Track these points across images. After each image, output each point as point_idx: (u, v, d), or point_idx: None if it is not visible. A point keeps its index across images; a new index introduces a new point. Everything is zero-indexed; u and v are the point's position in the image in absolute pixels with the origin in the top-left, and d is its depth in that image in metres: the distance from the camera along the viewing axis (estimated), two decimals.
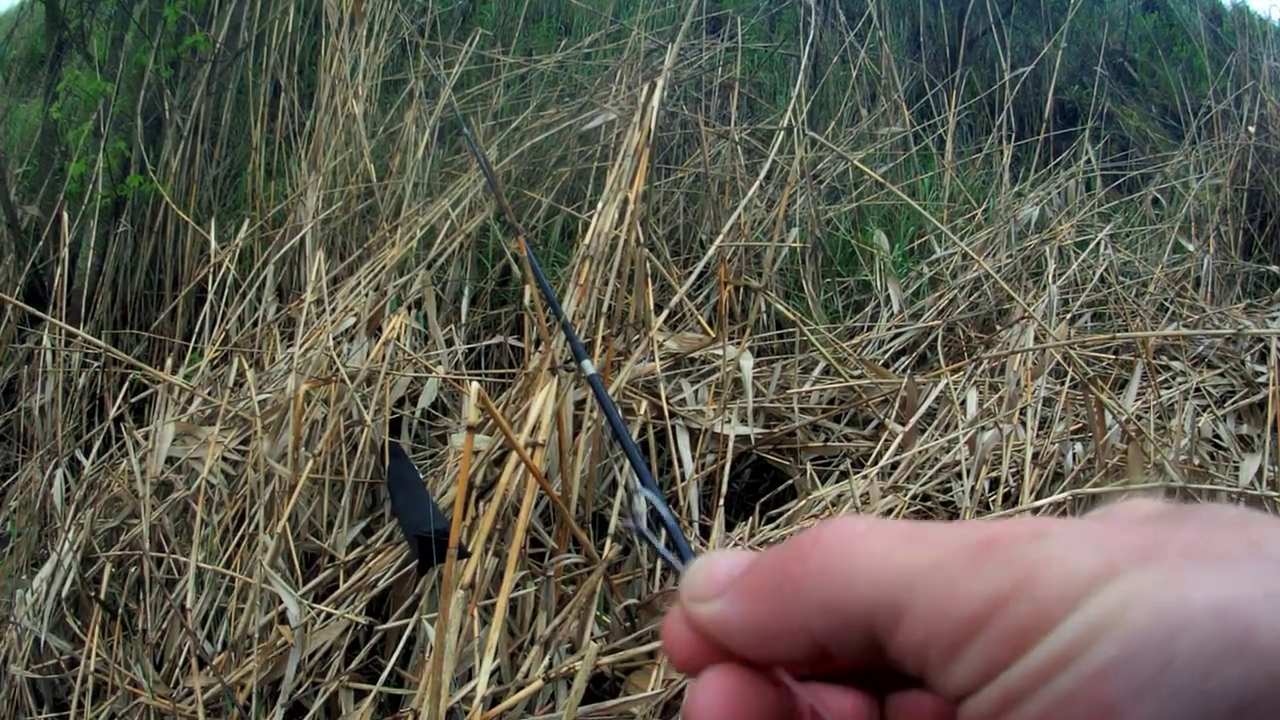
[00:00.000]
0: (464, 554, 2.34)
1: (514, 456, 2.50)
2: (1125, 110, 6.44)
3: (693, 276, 3.65)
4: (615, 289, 3.21)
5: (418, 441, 3.43)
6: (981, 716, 0.33)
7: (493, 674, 2.32)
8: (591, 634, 2.47)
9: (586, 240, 3.23)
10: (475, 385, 1.98)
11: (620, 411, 3.13)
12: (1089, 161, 5.19)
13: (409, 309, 3.63)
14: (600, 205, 3.30)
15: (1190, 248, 4.58)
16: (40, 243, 4.76)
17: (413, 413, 3.42)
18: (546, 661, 2.34)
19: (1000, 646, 0.32)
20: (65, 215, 4.19)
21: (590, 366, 2.48)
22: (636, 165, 3.30)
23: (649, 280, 3.48)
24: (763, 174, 4.01)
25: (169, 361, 3.67)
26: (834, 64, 5.44)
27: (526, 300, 3.34)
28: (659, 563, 2.74)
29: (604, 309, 3.11)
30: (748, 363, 3.34)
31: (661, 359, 3.34)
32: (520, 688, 2.22)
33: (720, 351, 3.35)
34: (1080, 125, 5.58)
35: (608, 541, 2.68)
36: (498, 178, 4.28)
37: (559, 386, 2.77)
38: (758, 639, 0.39)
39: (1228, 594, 0.30)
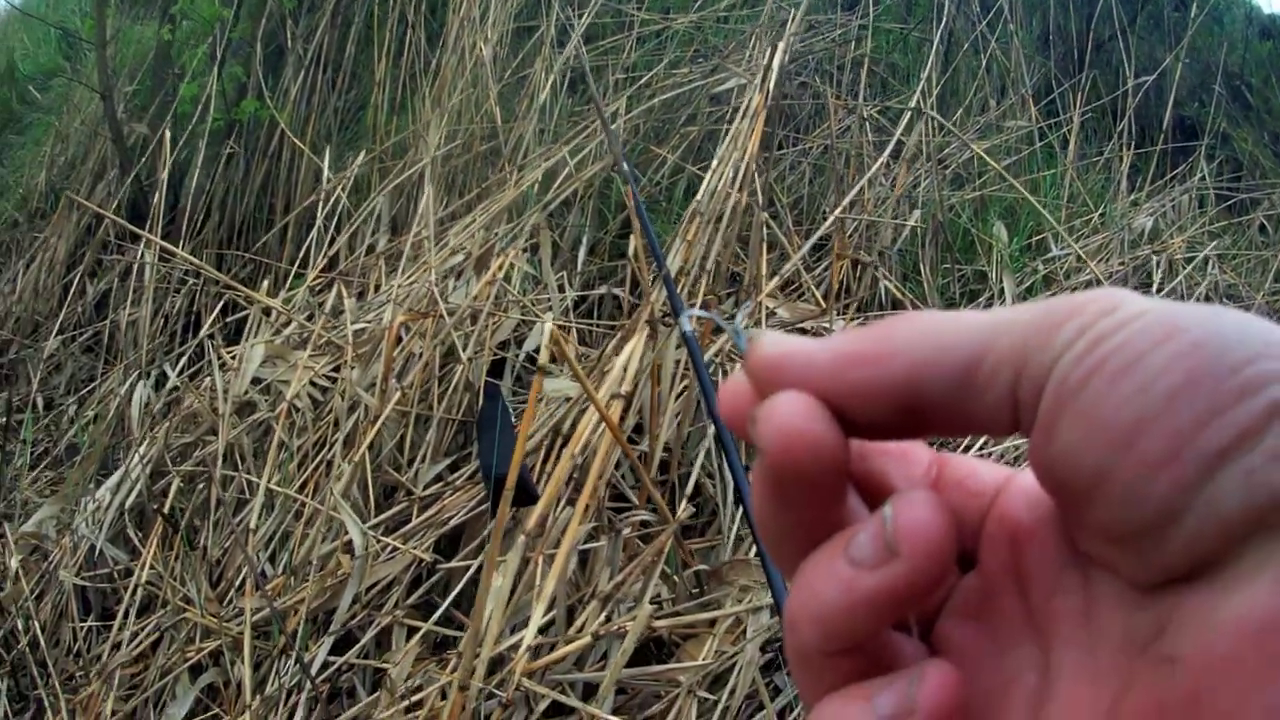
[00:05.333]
0: (531, 498, 2.28)
1: (615, 406, 2.42)
2: (1240, 133, 6.41)
3: (808, 244, 3.61)
4: (730, 250, 3.16)
5: (519, 385, 3.37)
6: (1074, 358, 0.34)
7: (549, 626, 2.26)
8: (654, 595, 2.41)
9: (698, 196, 3.19)
10: (549, 325, 1.88)
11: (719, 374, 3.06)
12: (1203, 178, 5.20)
13: (523, 252, 3.58)
14: (715, 163, 3.26)
15: None
16: (146, 160, 4.82)
17: (516, 355, 3.38)
18: (603, 618, 2.29)
19: (1092, 315, 0.34)
20: (168, 134, 4.23)
21: (687, 321, 2.38)
22: (754, 126, 3.24)
23: (764, 246, 3.45)
24: (887, 151, 4.00)
25: (264, 284, 3.65)
26: (965, 52, 5.44)
27: (631, 250, 3.26)
28: (735, 531, 2.67)
29: (708, 267, 3.08)
30: None
31: (772, 327, 3.24)
32: (570, 642, 2.17)
33: (829, 326, 3.32)
34: (1198, 141, 5.57)
35: (683, 502, 2.63)
36: (612, 126, 4.24)
37: (656, 340, 2.69)
38: (850, 365, 0.37)
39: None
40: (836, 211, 3.69)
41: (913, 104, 4.25)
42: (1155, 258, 4.10)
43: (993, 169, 4.32)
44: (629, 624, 2.03)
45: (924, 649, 0.40)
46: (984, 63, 5.29)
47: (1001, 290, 3.91)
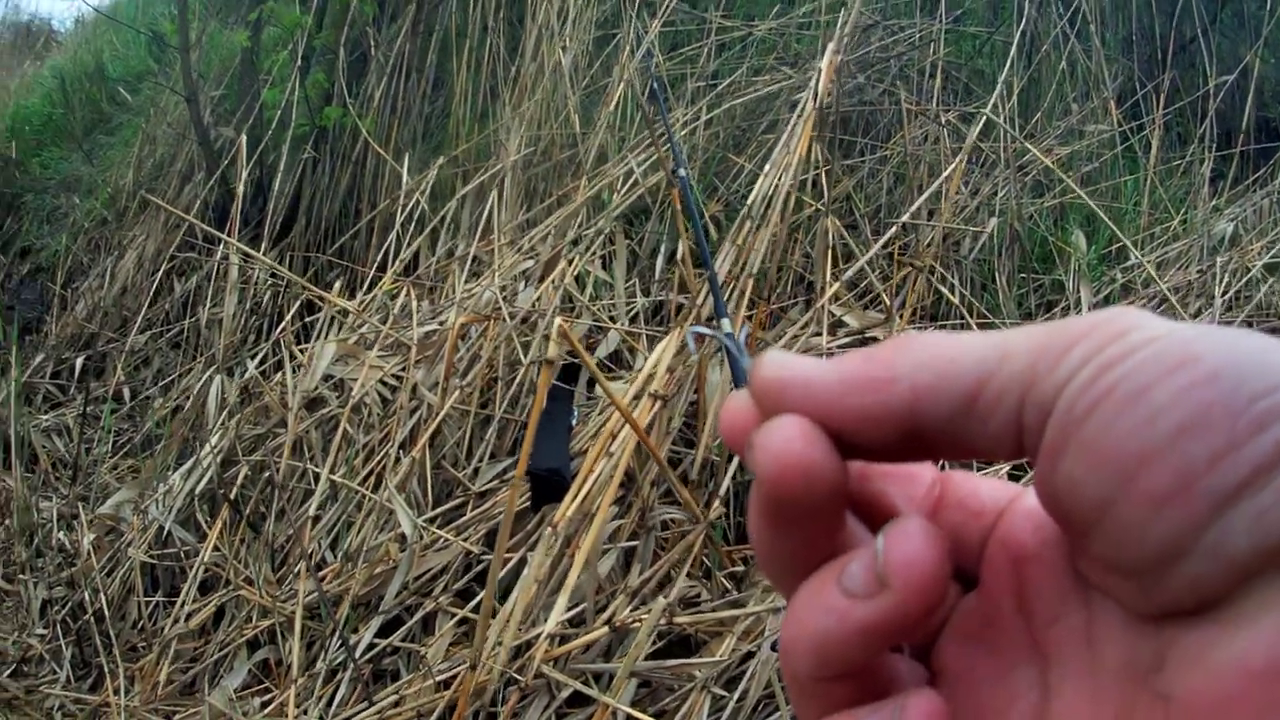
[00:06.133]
0: (560, 489, 2.36)
1: (642, 403, 2.52)
2: None
3: (872, 249, 3.62)
4: (780, 254, 3.19)
5: (592, 389, 3.46)
6: (1082, 385, 0.33)
7: (580, 619, 2.36)
8: (693, 594, 2.50)
9: (749, 200, 3.26)
10: (559, 322, 1.99)
11: None
12: None
13: (597, 258, 3.67)
14: (767, 168, 3.32)
15: None
16: (231, 163, 4.99)
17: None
18: (629, 611, 2.37)
19: (1103, 339, 0.34)
20: (244, 140, 4.40)
21: (728, 325, 2.48)
22: (804, 130, 3.30)
23: (828, 252, 3.49)
24: (959, 158, 3.91)
25: (336, 285, 3.80)
26: (1046, 55, 5.29)
27: (679, 254, 3.33)
28: None
29: (753, 271, 3.13)
30: None
31: (842, 333, 3.33)
32: (589, 632, 2.26)
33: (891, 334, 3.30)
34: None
35: (715, 502, 2.70)
36: (691, 134, 4.31)
37: (702, 344, 2.78)
38: (851, 390, 0.37)
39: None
40: (905, 217, 3.72)
41: (989, 109, 4.16)
42: (1232, 264, 3.97)
43: (1069, 178, 4.23)
44: (644, 618, 2.11)
45: (922, 671, 0.41)
46: (1065, 66, 5.20)
47: (1078, 300, 3.88)
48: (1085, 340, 0.34)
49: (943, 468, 0.43)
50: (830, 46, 3.58)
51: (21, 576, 3.32)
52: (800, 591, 0.38)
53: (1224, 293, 3.72)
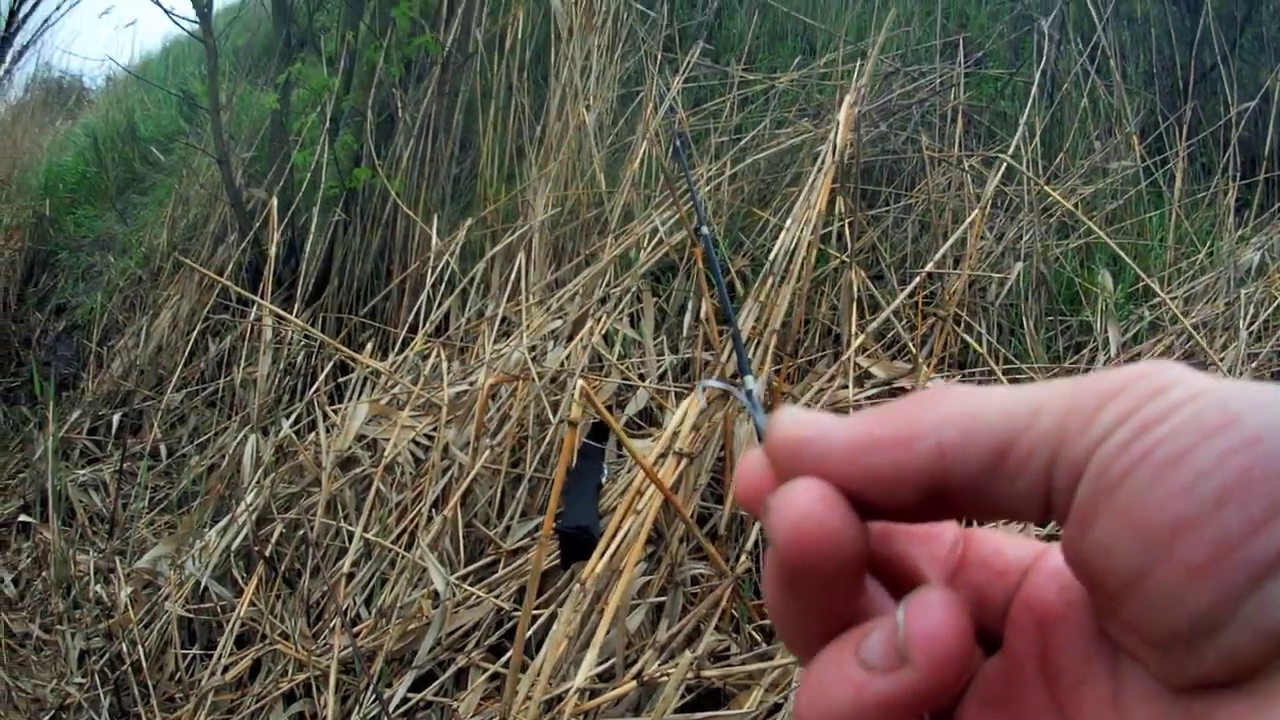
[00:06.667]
0: (588, 546, 2.42)
1: (668, 463, 2.59)
2: None
3: (897, 299, 3.62)
4: (804, 307, 3.21)
5: (620, 447, 3.50)
6: (1117, 447, 0.32)
7: (607, 673, 2.43)
8: (723, 647, 2.54)
9: (771, 255, 3.32)
10: (581, 383, 2.04)
11: None
12: None
13: (626, 317, 3.74)
14: (789, 222, 3.39)
15: None
16: (264, 224, 5.07)
17: (618, 417, 3.52)
18: (658, 665, 2.42)
19: (1139, 397, 0.33)
20: (275, 202, 4.52)
21: (751, 382, 2.53)
22: (823, 183, 3.36)
23: (853, 304, 3.53)
24: (981, 205, 3.92)
25: (368, 346, 3.88)
26: (1067, 93, 5.27)
27: (702, 312, 3.40)
28: None
29: (776, 325, 3.19)
30: None
31: (869, 385, 3.37)
32: (619, 687, 2.31)
33: (931, 384, 3.29)
34: None
35: (742, 556, 2.74)
36: (716, 190, 4.37)
37: (727, 401, 2.84)
38: (873, 448, 0.36)
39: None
40: (929, 266, 3.74)
41: (1010, 153, 4.18)
42: (1259, 294, 3.89)
43: (1093, 218, 4.21)
44: (671, 671, 2.16)
45: None
46: (1087, 103, 5.16)
47: (1106, 341, 3.85)
48: (1119, 397, 0.33)
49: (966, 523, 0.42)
50: (847, 99, 3.63)
51: (59, 627, 3.41)
52: (818, 660, 0.38)
53: (1249, 324, 3.66)
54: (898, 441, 0.36)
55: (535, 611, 2.71)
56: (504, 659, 2.63)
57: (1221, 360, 3.35)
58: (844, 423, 0.37)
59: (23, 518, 4.25)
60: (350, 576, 3.00)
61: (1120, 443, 0.32)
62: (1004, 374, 3.54)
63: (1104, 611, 0.35)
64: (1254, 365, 3.47)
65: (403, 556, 2.95)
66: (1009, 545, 0.41)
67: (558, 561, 2.82)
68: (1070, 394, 0.34)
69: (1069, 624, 0.37)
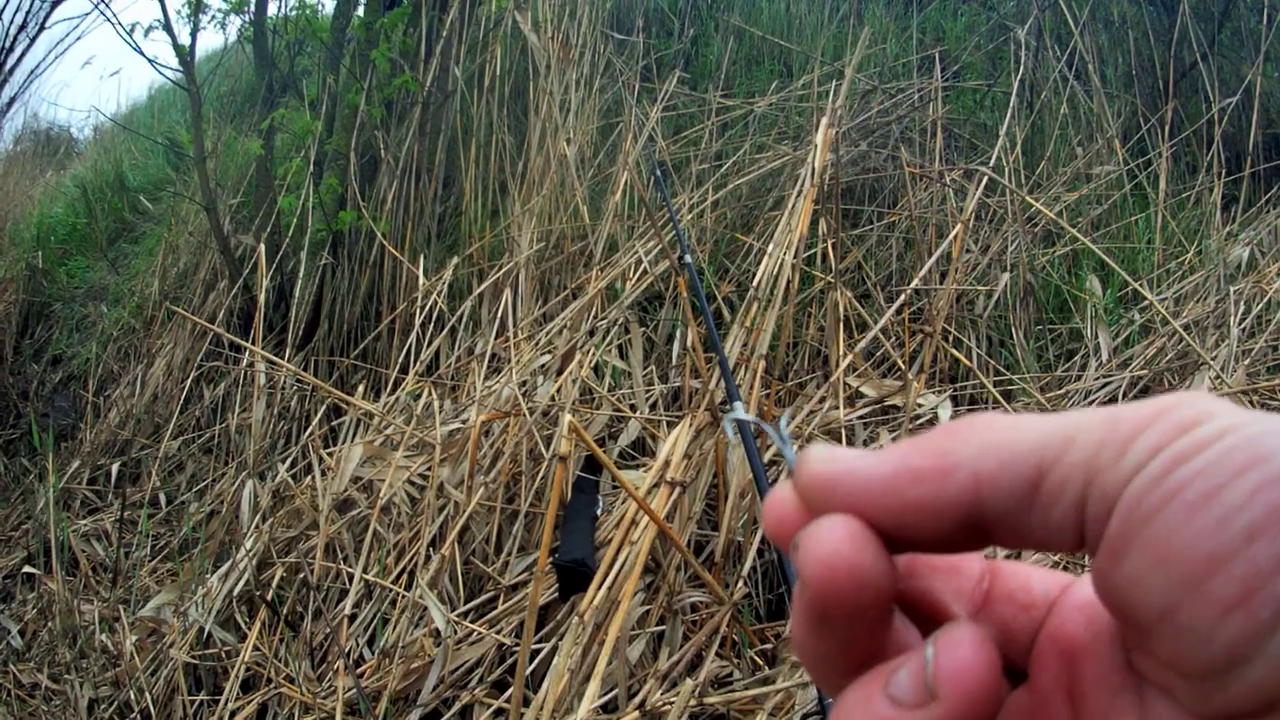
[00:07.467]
0: (585, 579, 2.46)
1: (660, 492, 2.63)
2: None
3: (884, 318, 3.63)
4: (790, 332, 3.22)
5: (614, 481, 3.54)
6: (1149, 481, 0.33)
7: (610, 704, 2.47)
8: (725, 673, 2.58)
9: (755, 281, 3.35)
10: (568, 417, 2.07)
11: None
12: None
13: (614, 348, 3.79)
14: (770, 247, 3.42)
15: None
16: (251, 270, 5.11)
17: (610, 448, 3.57)
18: (661, 694, 2.45)
19: (1170, 430, 0.33)
20: (263, 249, 4.55)
21: (741, 409, 2.56)
22: (803, 205, 3.39)
23: (840, 325, 3.54)
24: (963, 219, 3.89)
25: (360, 388, 3.92)
26: (1046, 101, 5.31)
27: (689, 341, 3.43)
28: None
29: (762, 351, 3.21)
30: (946, 413, 3.34)
31: (860, 405, 3.40)
32: (623, 718, 2.34)
33: (922, 401, 3.37)
34: None
35: (738, 583, 2.77)
36: (699, 216, 4.41)
37: (717, 428, 2.88)
38: (907, 482, 0.37)
39: None
40: (915, 283, 3.76)
41: (991, 164, 4.16)
42: (1250, 290, 3.90)
43: (1078, 224, 4.24)
44: (674, 699, 2.20)
45: None
46: (1067, 109, 5.19)
47: (1098, 347, 3.86)
48: (1151, 429, 0.34)
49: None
50: (824, 121, 3.66)
51: (67, 676, 3.44)
52: (847, 695, 0.38)
53: (1241, 321, 3.66)
54: (934, 473, 0.36)
55: (536, 646, 2.75)
56: (507, 694, 2.66)
57: (1214, 359, 3.37)
58: (877, 457, 0.38)
59: (27, 569, 4.29)
60: (352, 617, 3.04)
61: (1153, 477, 0.33)
62: (995, 386, 3.55)
63: (1134, 643, 0.36)
64: (1247, 362, 3.49)
65: (403, 596, 2.99)
66: (1036, 577, 0.42)
67: (556, 595, 2.86)
68: (1102, 425, 0.35)
69: (1095, 656, 0.38)
